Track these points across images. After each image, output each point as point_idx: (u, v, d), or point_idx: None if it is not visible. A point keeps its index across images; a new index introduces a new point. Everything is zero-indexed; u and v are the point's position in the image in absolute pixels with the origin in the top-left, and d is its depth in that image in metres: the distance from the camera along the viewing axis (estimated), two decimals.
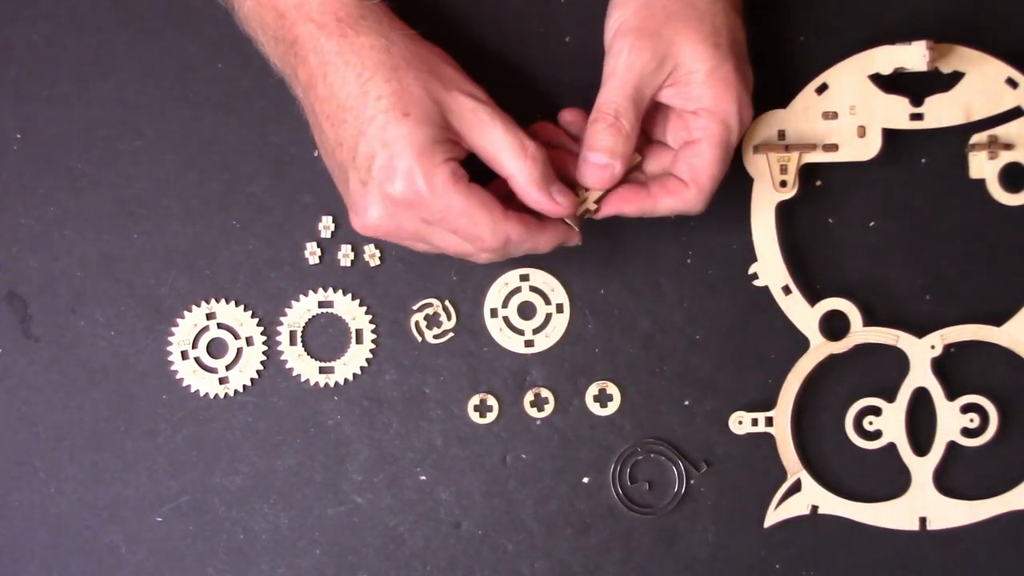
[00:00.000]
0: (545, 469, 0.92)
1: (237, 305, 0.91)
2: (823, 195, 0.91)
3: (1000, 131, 0.88)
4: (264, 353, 0.92)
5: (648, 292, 0.92)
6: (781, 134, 0.89)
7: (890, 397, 0.90)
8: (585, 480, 0.92)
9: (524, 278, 0.92)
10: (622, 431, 0.92)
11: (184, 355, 0.91)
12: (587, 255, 0.91)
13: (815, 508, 0.90)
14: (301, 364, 0.91)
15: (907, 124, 0.88)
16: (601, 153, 0.83)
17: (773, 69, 0.90)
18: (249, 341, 0.91)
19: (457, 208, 0.79)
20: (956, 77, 0.88)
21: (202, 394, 0.91)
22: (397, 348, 0.92)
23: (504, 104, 0.82)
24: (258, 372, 0.91)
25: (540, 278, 0.92)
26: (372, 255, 0.91)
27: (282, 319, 0.91)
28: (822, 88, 0.89)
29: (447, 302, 0.92)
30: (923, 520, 0.90)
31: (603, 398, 0.92)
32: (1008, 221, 0.91)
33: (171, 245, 0.91)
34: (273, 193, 0.91)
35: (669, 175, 0.85)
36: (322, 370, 0.91)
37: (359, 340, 0.91)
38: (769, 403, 0.91)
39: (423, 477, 0.91)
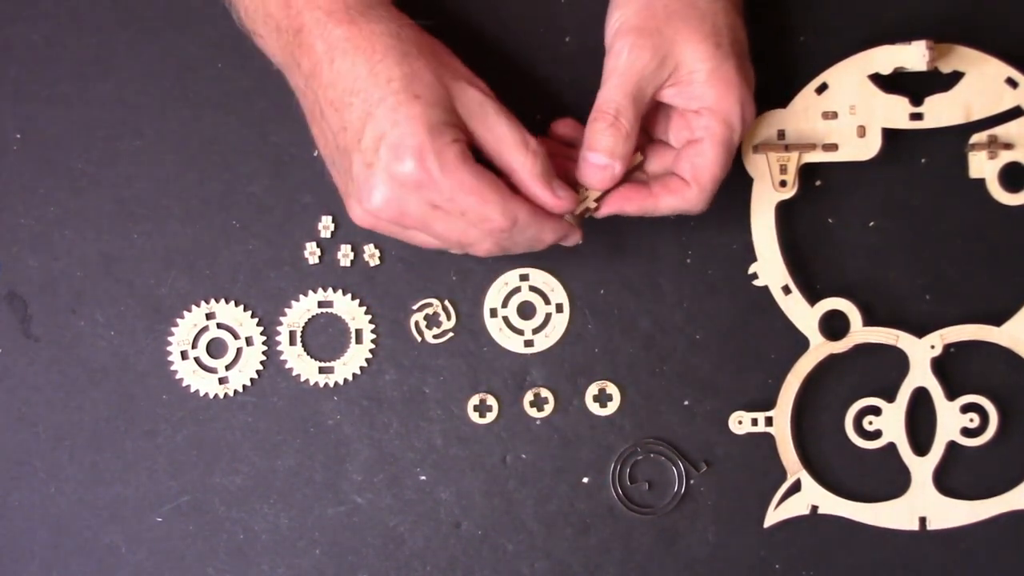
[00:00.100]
0: (545, 469, 0.92)
1: (237, 305, 0.91)
2: (823, 195, 0.91)
3: (1000, 131, 0.88)
4: (264, 353, 0.92)
5: (648, 292, 0.92)
6: (781, 134, 0.89)
7: (890, 397, 0.90)
8: (585, 480, 0.92)
9: (524, 278, 0.92)
10: (622, 431, 0.92)
11: (184, 355, 0.91)
12: (587, 255, 0.91)
13: (815, 508, 0.90)
14: (301, 364, 0.91)
15: (907, 124, 0.88)
16: (601, 153, 0.83)
17: (773, 69, 0.90)
18: (249, 341, 0.91)
19: (468, 186, 0.78)
20: (956, 77, 0.88)
21: (202, 394, 0.91)
22: (397, 348, 0.92)
23: (504, 104, 0.82)
24: (258, 372, 0.91)
25: (540, 278, 0.92)
26: (372, 255, 0.91)
27: (282, 319, 0.91)
28: (822, 88, 0.89)
29: (447, 302, 0.92)
30: (923, 520, 0.90)
31: (603, 398, 0.92)
32: (1008, 221, 0.91)
33: (171, 245, 0.91)
34: (273, 193, 0.91)
35: (671, 174, 0.85)
36: (322, 370, 0.91)
37: (359, 340, 0.92)
38: (769, 403, 0.91)
39: (423, 477, 0.91)
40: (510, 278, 0.92)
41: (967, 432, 0.90)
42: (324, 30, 0.79)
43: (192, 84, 0.91)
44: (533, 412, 0.92)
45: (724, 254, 0.91)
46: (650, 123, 0.87)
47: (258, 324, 0.92)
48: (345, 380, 0.91)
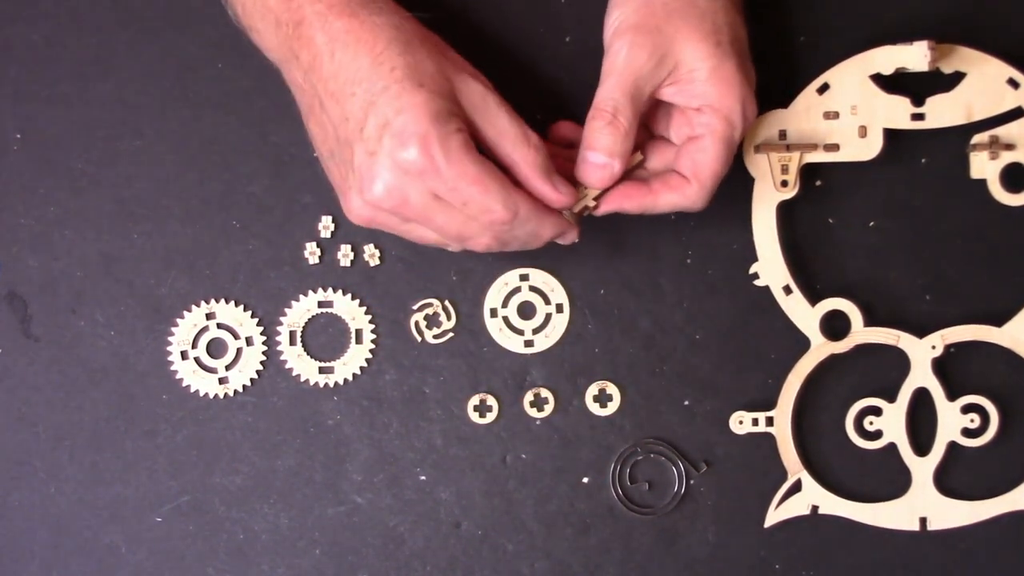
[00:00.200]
0: (545, 469, 0.92)
1: (237, 305, 0.91)
2: (824, 195, 0.91)
3: (1001, 131, 0.88)
4: (264, 353, 0.92)
5: (648, 292, 0.92)
6: (782, 134, 0.89)
7: (891, 397, 0.90)
8: (585, 480, 0.92)
9: (524, 278, 0.92)
10: (622, 431, 0.92)
11: (184, 355, 0.91)
12: (587, 255, 0.91)
13: (815, 508, 0.90)
14: (301, 364, 0.91)
15: (908, 124, 0.88)
16: (600, 152, 0.82)
17: (774, 69, 0.89)
18: (249, 341, 0.91)
19: (471, 175, 0.78)
20: (957, 77, 0.88)
21: (202, 394, 0.91)
22: (397, 348, 0.92)
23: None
24: (258, 372, 0.91)
25: (540, 278, 0.92)
26: (372, 255, 0.91)
27: (282, 319, 0.91)
28: (823, 88, 0.88)
29: (447, 302, 0.91)
30: (923, 520, 0.90)
31: (603, 398, 0.91)
32: (1009, 221, 0.91)
33: (171, 245, 0.91)
34: (273, 193, 0.91)
35: (671, 171, 0.85)
36: (322, 370, 0.91)
37: (359, 340, 0.91)
38: (769, 403, 0.91)
39: (423, 477, 0.92)
40: (510, 278, 0.92)
41: (968, 432, 0.90)
42: (325, 22, 0.79)
43: (192, 84, 0.91)
44: (533, 412, 0.91)
45: (725, 254, 0.91)
46: (651, 120, 0.87)
47: (258, 324, 0.92)
48: (345, 380, 0.91)
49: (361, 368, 0.91)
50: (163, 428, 0.91)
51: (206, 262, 0.91)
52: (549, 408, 0.92)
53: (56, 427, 0.91)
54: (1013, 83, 0.88)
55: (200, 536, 0.91)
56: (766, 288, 0.90)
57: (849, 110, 0.88)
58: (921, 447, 0.90)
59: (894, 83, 0.88)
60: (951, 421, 0.90)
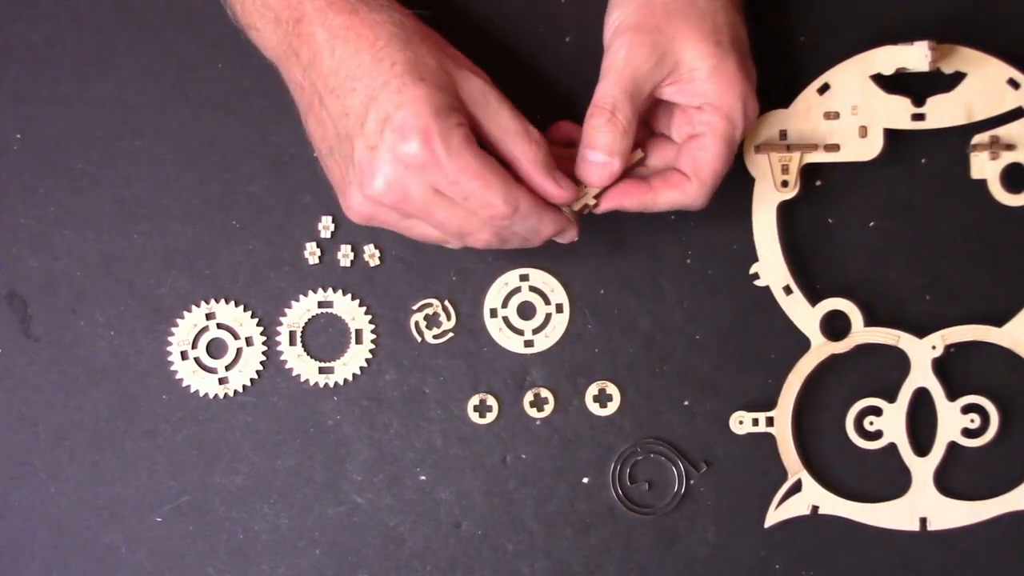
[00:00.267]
0: (545, 469, 0.92)
1: (237, 305, 0.91)
2: (824, 195, 0.91)
3: (1002, 131, 0.88)
4: (264, 353, 0.92)
5: (648, 292, 0.92)
6: (783, 134, 0.89)
7: (891, 397, 0.90)
8: (585, 480, 0.92)
9: (524, 278, 0.92)
10: (622, 431, 0.92)
11: (184, 355, 0.91)
12: (587, 255, 0.91)
13: (815, 508, 0.90)
14: (301, 364, 0.91)
15: (909, 124, 0.88)
16: (599, 151, 0.82)
17: (775, 69, 0.89)
18: (249, 341, 0.91)
19: (472, 169, 0.78)
20: (958, 77, 0.88)
21: (202, 394, 0.91)
22: (397, 348, 0.92)
23: None
24: (258, 372, 0.91)
25: (540, 278, 0.92)
26: (372, 255, 0.91)
27: (282, 319, 0.91)
28: (824, 88, 0.88)
29: (447, 302, 0.91)
30: (923, 520, 0.90)
31: (603, 398, 0.91)
32: (1009, 221, 0.91)
33: (171, 245, 0.91)
34: (273, 193, 0.91)
35: (671, 169, 0.85)
36: (322, 370, 0.91)
37: (359, 340, 0.91)
38: (769, 403, 0.91)
39: (423, 477, 0.92)
40: (510, 278, 0.92)
41: (968, 433, 0.90)
42: (325, 19, 0.79)
43: (192, 84, 0.91)
44: (533, 412, 0.91)
45: (725, 254, 0.91)
46: (652, 118, 0.87)
47: (258, 324, 0.92)
48: (345, 380, 0.91)
49: (361, 368, 0.91)
50: (163, 428, 0.91)
51: (206, 262, 0.91)
52: (549, 408, 0.92)
53: (56, 427, 0.91)
54: (1013, 83, 0.88)
55: (200, 536, 0.91)
56: (766, 288, 0.90)
57: (849, 110, 0.88)
58: (921, 447, 0.90)
59: (894, 83, 0.88)
60: (951, 421, 0.90)
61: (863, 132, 0.88)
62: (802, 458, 0.91)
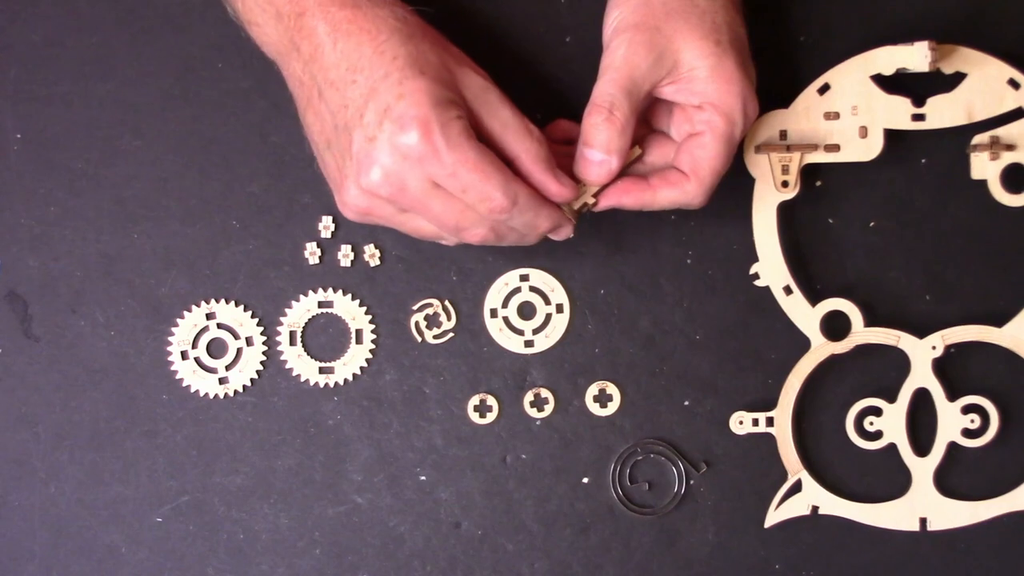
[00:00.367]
0: (545, 469, 0.92)
1: (237, 305, 0.91)
2: (824, 195, 0.91)
3: (1002, 132, 0.88)
4: (264, 353, 0.92)
5: (648, 292, 0.92)
6: (783, 134, 0.89)
7: (891, 397, 0.90)
8: (585, 480, 0.92)
9: (524, 278, 0.91)
10: (622, 431, 0.92)
11: (184, 355, 0.91)
12: (587, 255, 0.91)
13: (815, 508, 0.90)
14: (301, 364, 0.91)
15: (909, 125, 0.88)
16: (597, 149, 0.82)
17: (775, 69, 0.89)
18: (249, 341, 0.91)
19: (471, 161, 0.77)
20: (958, 78, 0.88)
21: (202, 394, 0.91)
22: (397, 348, 0.92)
23: None
24: (258, 372, 0.91)
25: (540, 278, 0.91)
26: (372, 255, 0.91)
27: (282, 319, 0.91)
28: (824, 88, 0.88)
29: (447, 302, 0.91)
30: (923, 521, 0.90)
31: (603, 398, 0.91)
32: (1009, 222, 0.91)
33: (171, 245, 0.91)
34: (273, 193, 0.91)
35: (670, 167, 0.85)
36: (322, 370, 0.91)
37: (359, 340, 0.91)
38: (769, 403, 0.91)
39: (423, 477, 0.92)
40: (510, 278, 0.91)
41: (968, 433, 0.90)
42: (327, 13, 0.79)
43: (192, 84, 0.91)
44: (533, 412, 0.91)
45: (725, 254, 0.91)
46: (651, 116, 0.87)
47: (258, 324, 0.92)
48: (345, 380, 0.91)
49: (361, 368, 0.91)
50: (163, 428, 0.91)
51: (206, 262, 0.91)
52: (549, 408, 0.92)
53: (56, 427, 0.91)
54: (1014, 84, 0.88)
55: (200, 536, 0.91)
56: (766, 288, 0.90)
57: (850, 110, 0.88)
58: (921, 447, 0.90)
59: (895, 83, 0.88)
60: (951, 421, 0.90)
61: (863, 132, 0.88)
62: (802, 458, 0.91)
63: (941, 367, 0.90)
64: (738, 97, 0.83)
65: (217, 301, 0.91)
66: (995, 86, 0.88)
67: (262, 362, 0.92)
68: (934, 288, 0.91)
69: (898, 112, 0.88)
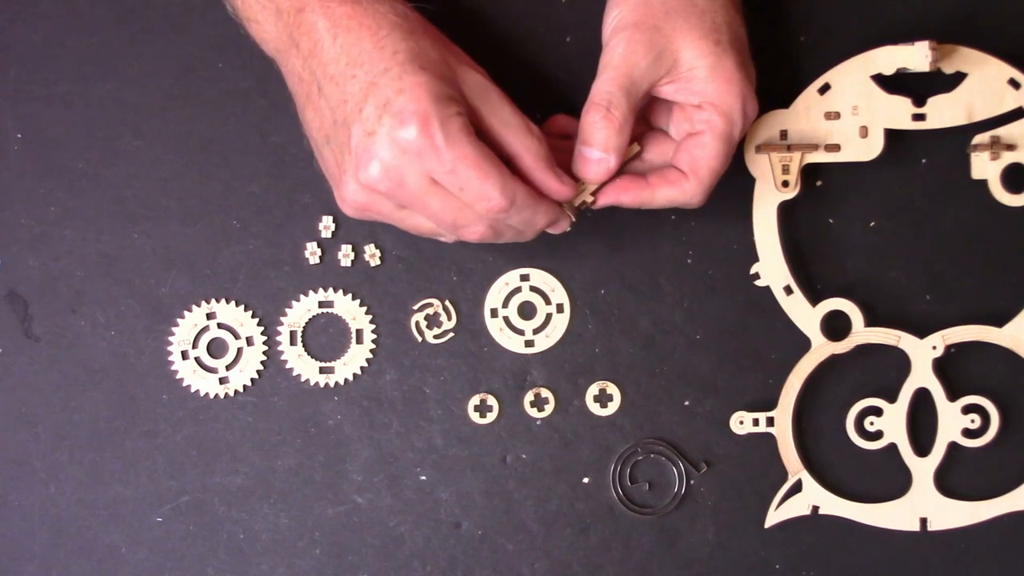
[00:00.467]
0: (545, 469, 0.92)
1: (237, 305, 0.91)
2: (824, 195, 0.91)
3: (1002, 132, 0.88)
4: (264, 353, 0.92)
5: (648, 292, 0.92)
6: (783, 134, 0.89)
7: (891, 397, 0.90)
8: (585, 480, 0.92)
9: (524, 278, 0.91)
10: (622, 431, 0.92)
11: (184, 355, 0.91)
12: (587, 255, 0.91)
13: (816, 508, 0.90)
14: (301, 364, 0.91)
15: (909, 124, 0.88)
16: (595, 148, 0.82)
17: (776, 69, 0.89)
18: (249, 341, 0.91)
19: (470, 158, 0.77)
20: (958, 78, 0.88)
21: (202, 394, 0.91)
22: (397, 348, 0.92)
23: None
24: (258, 372, 0.91)
25: (540, 278, 0.91)
26: (372, 255, 0.91)
27: (282, 319, 0.91)
28: (824, 88, 0.88)
29: (447, 302, 0.91)
30: (924, 521, 0.90)
31: (603, 398, 0.91)
32: (1009, 222, 0.91)
33: (171, 245, 0.91)
34: (273, 193, 0.91)
35: (669, 166, 0.85)
36: (322, 370, 0.91)
37: (359, 340, 0.91)
38: (769, 403, 0.91)
39: (423, 477, 0.91)
40: (511, 278, 0.91)
41: (968, 433, 0.90)
42: (327, 9, 0.79)
43: (192, 84, 0.91)
44: (533, 412, 0.91)
45: (725, 254, 0.91)
46: (650, 114, 0.87)
47: (259, 324, 0.92)
48: (345, 380, 0.91)
49: (361, 368, 0.91)
50: (163, 428, 0.91)
51: (206, 262, 0.91)
52: (549, 408, 0.92)
53: (56, 427, 0.91)
54: (1014, 83, 0.88)
55: (200, 536, 0.91)
56: (766, 288, 0.90)
57: (850, 110, 0.88)
58: (922, 447, 0.90)
59: (895, 83, 0.88)
60: (952, 421, 0.90)
61: (864, 132, 0.88)
62: (802, 458, 0.91)
63: (941, 367, 0.90)
64: (737, 97, 0.83)
65: (217, 301, 0.91)
66: (995, 86, 0.88)
67: (262, 362, 0.92)
68: (934, 288, 0.91)
69: (898, 112, 0.88)
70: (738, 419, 0.91)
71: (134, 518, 0.91)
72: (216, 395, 0.91)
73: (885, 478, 0.91)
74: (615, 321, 0.92)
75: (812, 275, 0.91)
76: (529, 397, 0.91)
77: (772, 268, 0.90)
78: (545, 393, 0.92)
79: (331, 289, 0.91)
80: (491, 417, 0.91)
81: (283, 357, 0.91)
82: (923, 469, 0.90)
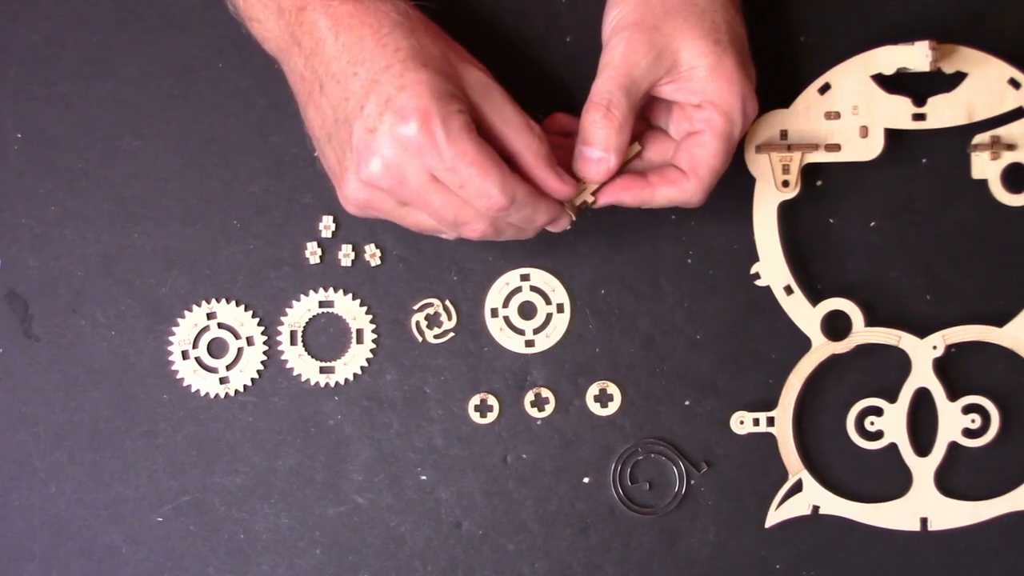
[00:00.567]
0: (545, 469, 0.92)
1: (237, 305, 0.91)
2: (824, 195, 0.91)
3: (1002, 131, 0.88)
4: (264, 353, 0.92)
5: (648, 292, 0.92)
6: (783, 134, 0.89)
7: (891, 397, 0.90)
8: (585, 480, 0.92)
9: (525, 278, 0.91)
10: (622, 431, 0.92)
11: (184, 355, 0.91)
12: (587, 255, 0.91)
13: (816, 508, 0.90)
14: (301, 364, 0.91)
15: (909, 124, 0.88)
16: (595, 148, 0.82)
17: (776, 69, 0.89)
18: (250, 341, 0.91)
19: (470, 156, 0.77)
20: (959, 77, 0.88)
21: (202, 394, 0.91)
22: (397, 348, 0.92)
23: None
24: (258, 372, 0.91)
25: (541, 278, 0.91)
26: (373, 255, 0.91)
27: (282, 319, 0.91)
28: (824, 88, 0.88)
29: (447, 302, 0.91)
30: (924, 521, 0.90)
31: (603, 398, 0.91)
32: (1009, 221, 0.91)
33: (171, 245, 0.91)
34: (273, 193, 0.91)
35: (669, 165, 0.85)
36: (322, 370, 0.91)
37: (359, 340, 0.91)
38: (770, 403, 0.91)
39: (423, 477, 0.91)
40: (511, 278, 0.91)
41: (969, 433, 0.90)
42: (329, 7, 0.79)
43: (192, 84, 0.91)
44: (534, 412, 0.91)
45: (725, 254, 0.91)
46: (650, 113, 0.87)
47: (259, 324, 0.91)
48: (346, 380, 0.91)
49: (362, 368, 0.91)
50: (163, 428, 0.91)
51: (206, 262, 0.91)
52: (550, 408, 0.92)
53: (56, 427, 0.91)
54: (1014, 83, 0.88)
55: (200, 536, 0.91)
56: (767, 288, 0.90)
57: (850, 110, 0.88)
58: (922, 447, 0.90)
59: (895, 83, 0.88)
60: (952, 421, 0.90)
61: (864, 132, 0.88)
62: (803, 458, 0.91)
63: (942, 367, 0.90)
64: (737, 96, 0.83)
65: (218, 301, 0.91)
66: (996, 86, 0.88)
67: (263, 362, 0.92)
68: (935, 288, 0.91)
69: (899, 112, 0.88)
70: (738, 419, 0.91)
71: (134, 518, 0.91)
72: (216, 395, 0.91)
73: (885, 478, 0.91)
74: (615, 321, 0.92)
75: (812, 275, 0.91)
76: (529, 397, 0.91)
77: (772, 268, 0.90)
78: (545, 393, 0.91)
79: (331, 289, 0.91)
80: (491, 417, 0.91)
81: (283, 357, 0.91)
82: (923, 469, 0.90)
